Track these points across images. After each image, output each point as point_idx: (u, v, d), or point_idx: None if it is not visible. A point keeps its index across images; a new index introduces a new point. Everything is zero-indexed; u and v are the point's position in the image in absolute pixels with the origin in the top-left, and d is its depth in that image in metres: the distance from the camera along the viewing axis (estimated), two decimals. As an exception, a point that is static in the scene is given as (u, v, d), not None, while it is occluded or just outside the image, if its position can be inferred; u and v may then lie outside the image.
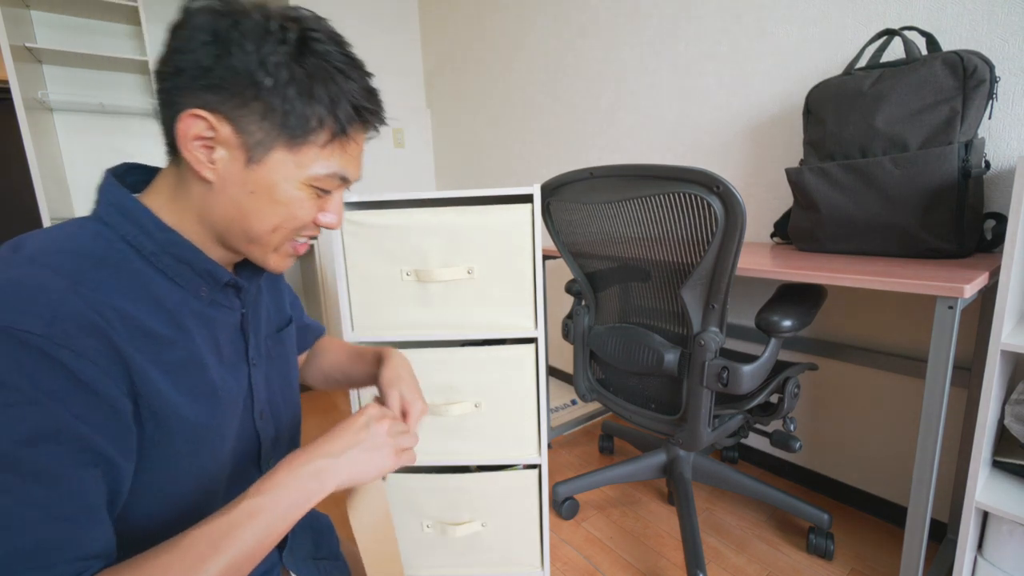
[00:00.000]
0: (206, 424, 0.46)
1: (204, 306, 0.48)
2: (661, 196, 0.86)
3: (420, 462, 1.05)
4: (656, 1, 1.63)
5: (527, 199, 0.97)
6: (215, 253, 0.49)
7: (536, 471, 1.04)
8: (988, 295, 0.97)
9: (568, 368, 2.31)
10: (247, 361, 0.55)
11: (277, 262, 0.50)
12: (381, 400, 0.59)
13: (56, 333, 0.35)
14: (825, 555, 1.15)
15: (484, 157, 2.59)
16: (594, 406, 2.00)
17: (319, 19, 0.45)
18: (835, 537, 1.21)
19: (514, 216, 0.94)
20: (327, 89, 0.43)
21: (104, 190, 0.45)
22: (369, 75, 0.47)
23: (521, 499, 1.06)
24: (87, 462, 0.36)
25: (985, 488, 0.81)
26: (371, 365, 0.67)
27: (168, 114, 0.43)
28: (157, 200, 0.46)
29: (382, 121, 0.49)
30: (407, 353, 1.01)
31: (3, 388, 0.33)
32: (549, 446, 1.76)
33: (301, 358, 0.77)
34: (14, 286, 0.36)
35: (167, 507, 0.45)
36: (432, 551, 1.10)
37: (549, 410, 2.00)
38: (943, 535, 1.15)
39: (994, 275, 0.81)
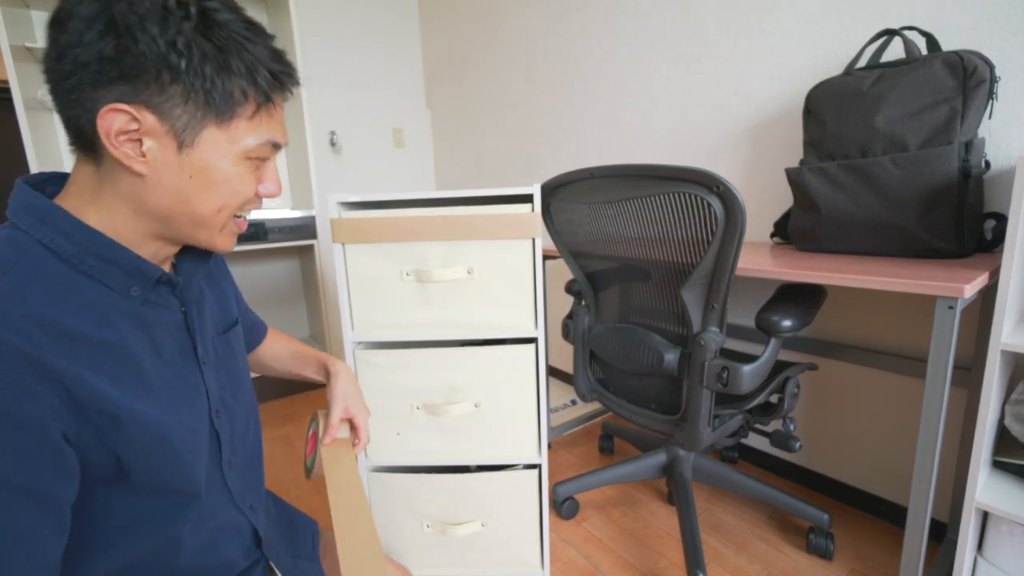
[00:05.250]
0: (156, 420, 0.45)
1: (136, 306, 0.47)
2: (661, 196, 0.86)
3: (420, 462, 1.05)
4: (656, 1, 1.63)
5: (527, 199, 0.97)
6: (150, 247, 0.48)
7: (536, 471, 1.04)
8: (988, 295, 0.97)
9: (568, 368, 2.31)
10: (197, 361, 0.54)
11: (224, 242, 0.50)
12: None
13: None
14: (825, 555, 1.15)
15: (484, 157, 2.59)
16: (594, 406, 2.00)
17: None
18: (835, 537, 1.21)
19: (514, 216, 0.94)
20: (242, 59, 0.43)
21: (14, 196, 0.43)
22: (272, 36, 0.46)
23: (521, 499, 1.06)
24: (29, 505, 0.36)
25: (985, 488, 0.81)
26: (316, 373, 0.78)
27: (77, 113, 0.41)
28: (77, 201, 0.44)
29: (296, 81, 0.49)
30: (407, 352, 1.01)
31: None
32: (549, 446, 1.76)
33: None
34: None
35: (145, 516, 0.46)
36: (432, 551, 1.09)
37: (549, 410, 2.00)
38: (943, 535, 1.15)
39: (994, 275, 0.81)
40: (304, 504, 1.44)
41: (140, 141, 0.42)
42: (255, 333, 0.77)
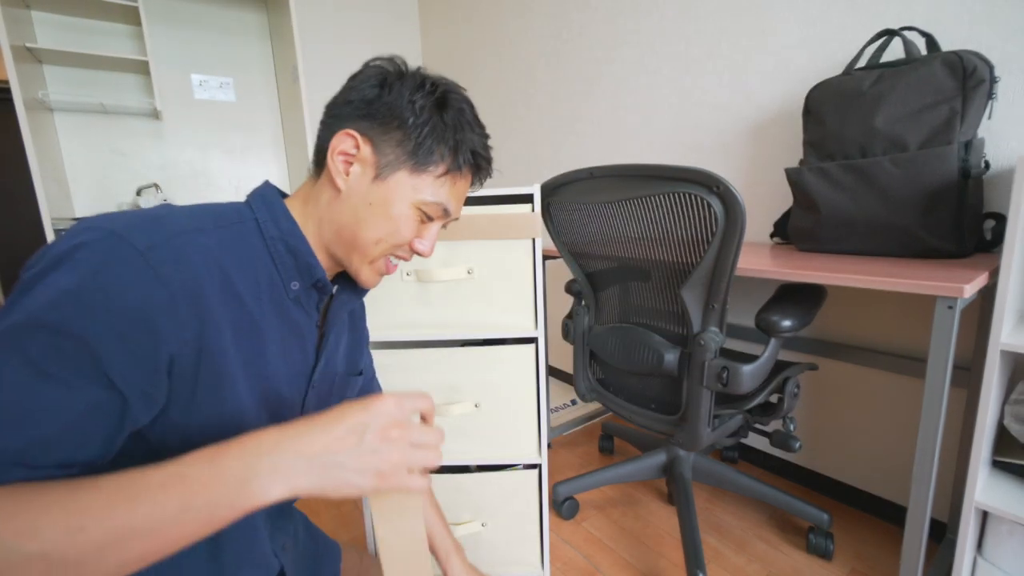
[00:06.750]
0: (245, 405, 0.47)
1: (289, 301, 0.52)
2: (661, 196, 0.86)
3: (420, 462, 1.05)
4: (656, 1, 1.63)
5: (527, 199, 0.97)
6: (319, 257, 0.55)
7: (536, 471, 1.04)
8: (988, 295, 0.97)
9: (568, 368, 2.31)
10: (309, 380, 0.56)
11: (368, 275, 0.56)
12: None
13: (154, 255, 0.38)
14: (825, 555, 1.15)
15: (484, 157, 2.59)
16: (594, 406, 2.00)
17: (459, 86, 0.56)
18: (835, 537, 1.21)
19: (514, 216, 0.94)
20: (455, 135, 0.53)
21: (258, 187, 0.54)
22: (488, 135, 0.58)
23: (521, 499, 1.06)
24: (90, 377, 0.36)
25: (985, 488, 0.81)
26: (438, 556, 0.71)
27: (326, 133, 0.53)
28: (293, 202, 0.55)
29: (489, 173, 0.60)
30: (407, 352, 1.01)
31: (77, 273, 0.35)
32: (549, 446, 1.76)
33: None
34: (148, 214, 0.41)
35: None
36: (432, 551, 1.10)
37: (549, 410, 2.00)
38: (943, 535, 1.15)
39: (994, 275, 0.81)
40: (324, 520, 1.44)
41: (351, 164, 0.52)
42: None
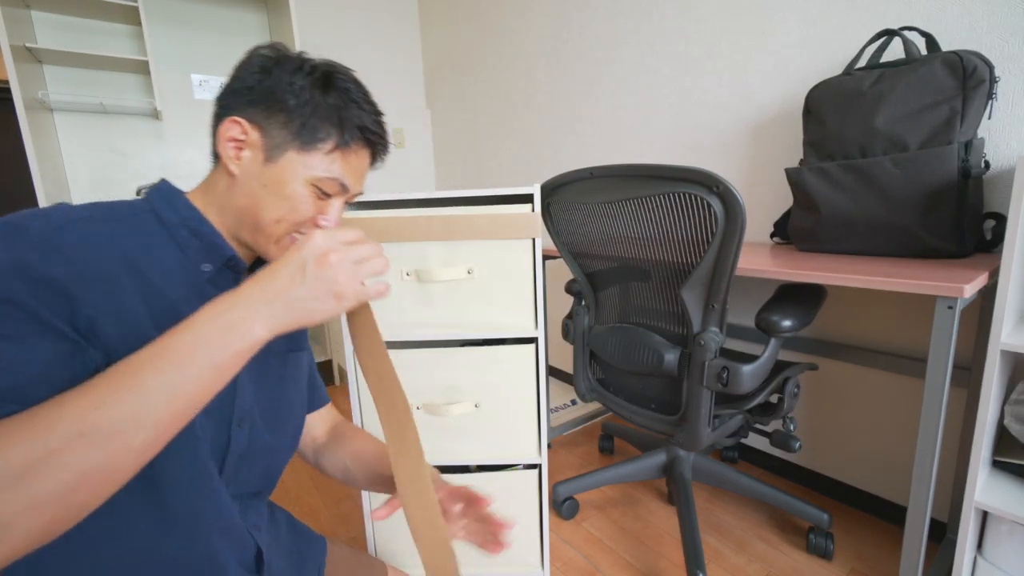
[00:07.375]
0: None
1: (203, 282, 0.53)
2: (661, 196, 0.86)
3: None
4: (656, 1, 1.63)
5: (527, 199, 0.97)
6: (231, 246, 0.56)
7: (536, 471, 1.04)
8: (988, 295, 0.97)
9: (568, 368, 2.31)
10: None
11: (277, 254, 0.56)
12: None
13: (55, 237, 0.41)
14: (825, 555, 1.15)
15: (484, 157, 2.59)
16: (594, 406, 2.00)
17: (346, 68, 0.57)
18: (835, 537, 1.21)
19: (514, 216, 0.94)
20: (339, 112, 0.54)
21: (155, 184, 0.55)
22: (380, 113, 0.58)
23: (521, 499, 1.06)
24: (37, 331, 0.38)
25: (985, 488, 0.81)
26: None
27: (216, 124, 0.54)
28: (193, 194, 0.56)
29: (384, 145, 0.60)
30: (408, 353, 1.01)
31: None
32: (549, 446, 1.76)
33: (317, 425, 0.76)
34: (41, 208, 0.44)
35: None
36: (432, 551, 1.09)
37: (549, 410, 2.00)
38: (943, 535, 1.15)
39: (994, 275, 0.81)
40: (324, 519, 1.44)
41: (242, 149, 0.53)
42: (312, 396, 0.75)
